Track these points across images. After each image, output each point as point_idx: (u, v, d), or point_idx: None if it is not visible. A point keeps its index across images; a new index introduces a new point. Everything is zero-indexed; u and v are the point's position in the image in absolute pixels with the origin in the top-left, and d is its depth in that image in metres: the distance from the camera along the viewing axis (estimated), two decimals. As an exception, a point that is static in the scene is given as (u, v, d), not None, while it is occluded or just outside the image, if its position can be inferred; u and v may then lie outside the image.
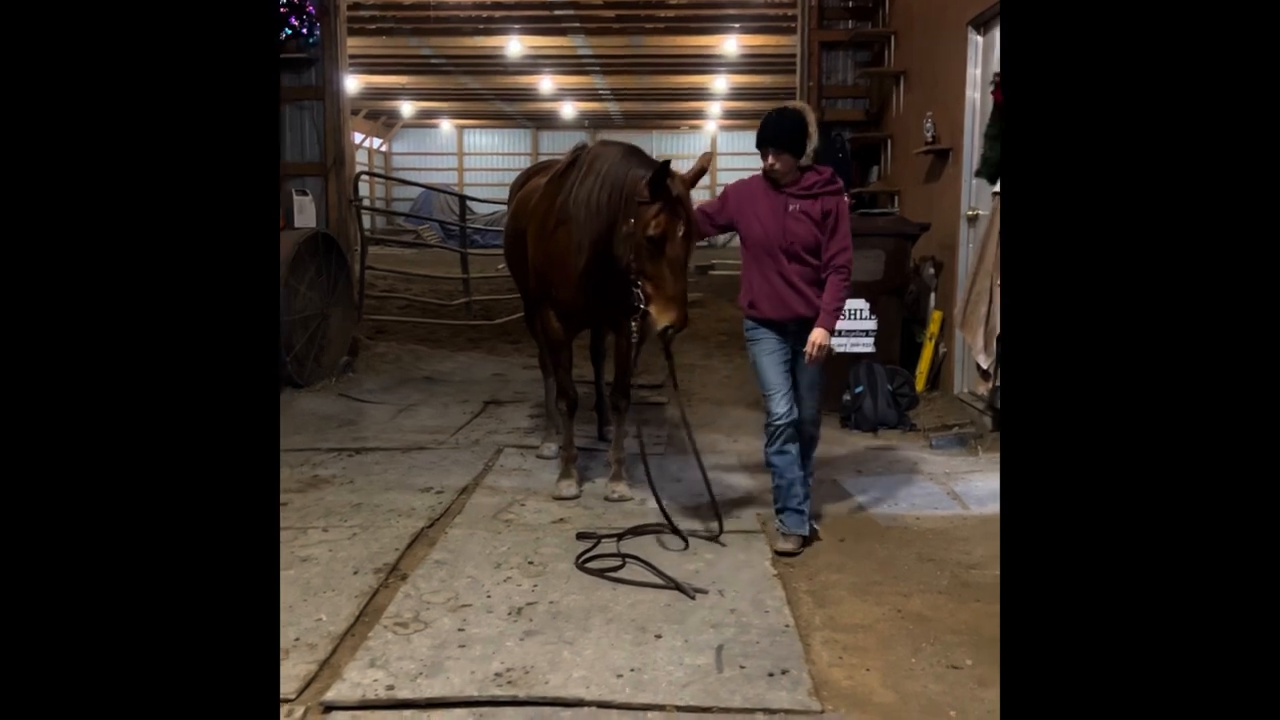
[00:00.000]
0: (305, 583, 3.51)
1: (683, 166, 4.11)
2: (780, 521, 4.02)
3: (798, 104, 4.16)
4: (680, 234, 3.87)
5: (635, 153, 4.22)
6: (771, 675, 2.85)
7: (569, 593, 3.47)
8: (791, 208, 3.88)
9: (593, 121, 31.21)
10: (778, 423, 3.92)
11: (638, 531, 4.07)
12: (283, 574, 3.58)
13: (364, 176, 16.55)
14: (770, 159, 3.90)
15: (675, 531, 4.04)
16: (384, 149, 34.92)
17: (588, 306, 4.52)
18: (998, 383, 5.55)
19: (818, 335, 3.85)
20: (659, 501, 4.11)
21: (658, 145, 31.08)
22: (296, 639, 3.04)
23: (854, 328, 6.53)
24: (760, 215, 3.93)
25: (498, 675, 2.83)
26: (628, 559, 3.75)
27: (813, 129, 3.87)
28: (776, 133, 3.88)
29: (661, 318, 3.90)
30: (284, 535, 4.02)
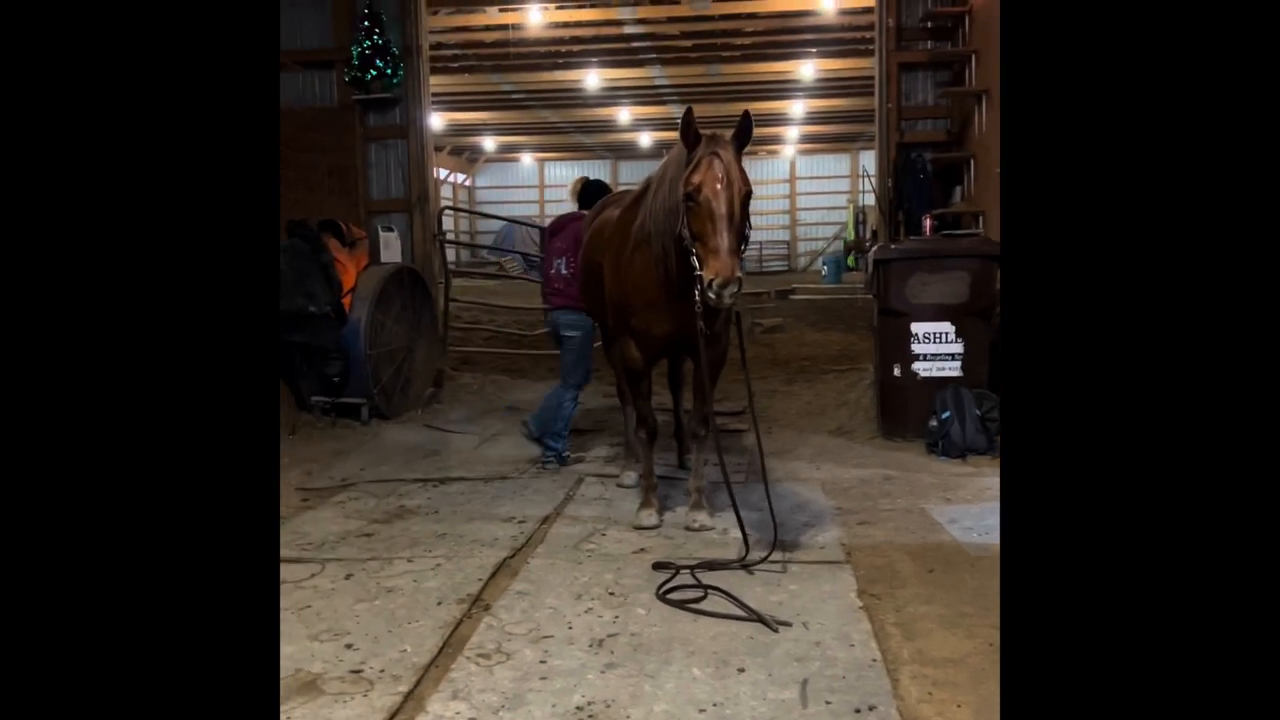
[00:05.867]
0: (390, 613, 3.55)
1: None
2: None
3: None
4: (718, 184, 3.79)
5: None
6: (859, 711, 2.76)
7: (650, 624, 3.44)
8: None
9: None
10: None
11: (712, 566, 3.99)
12: (368, 604, 3.64)
13: (448, 211, 16.94)
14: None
15: (744, 567, 3.95)
16: (468, 184, 35.72)
17: (667, 331, 4.49)
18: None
19: None
20: (743, 531, 4.05)
21: (736, 171, 31.03)
22: (381, 670, 3.07)
23: (940, 351, 6.38)
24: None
25: (579, 709, 2.81)
26: (709, 590, 3.70)
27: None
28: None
29: (707, 272, 3.77)
30: (370, 566, 4.10)
